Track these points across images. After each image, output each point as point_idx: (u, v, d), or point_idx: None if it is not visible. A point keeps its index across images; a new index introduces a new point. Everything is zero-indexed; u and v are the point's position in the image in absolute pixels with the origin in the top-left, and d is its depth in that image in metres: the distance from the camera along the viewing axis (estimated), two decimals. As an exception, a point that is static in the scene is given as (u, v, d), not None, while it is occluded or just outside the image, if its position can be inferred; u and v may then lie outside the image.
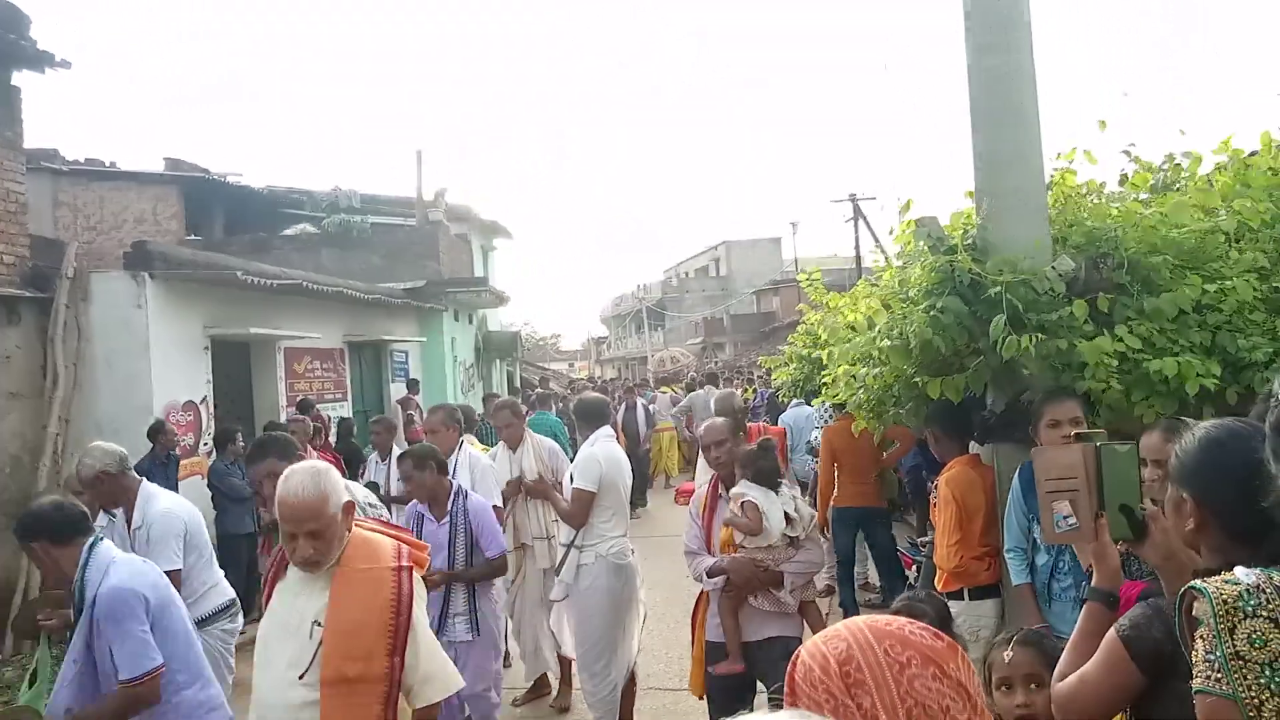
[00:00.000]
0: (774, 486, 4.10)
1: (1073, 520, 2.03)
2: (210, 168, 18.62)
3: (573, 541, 5.12)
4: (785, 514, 4.05)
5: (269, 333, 11.24)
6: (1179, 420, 2.98)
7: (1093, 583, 2.08)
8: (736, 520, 4.03)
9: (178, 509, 4.55)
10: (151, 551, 4.21)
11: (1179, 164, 4.83)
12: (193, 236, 16.90)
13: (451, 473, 5.12)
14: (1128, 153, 5.26)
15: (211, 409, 10.19)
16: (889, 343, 3.95)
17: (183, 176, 17.53)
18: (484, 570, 4.71)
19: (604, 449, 5.19)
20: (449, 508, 4.71)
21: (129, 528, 4.44)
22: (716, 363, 32.05)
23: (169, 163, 18.17)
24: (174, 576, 4.05)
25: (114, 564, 3.28)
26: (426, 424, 5.87)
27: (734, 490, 4.11)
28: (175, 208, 16.90)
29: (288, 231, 17.90)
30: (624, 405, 14.97)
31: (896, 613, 3.16)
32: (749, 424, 6.37)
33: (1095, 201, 4.43)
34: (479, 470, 5.55)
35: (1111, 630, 1.90)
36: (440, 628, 4.47)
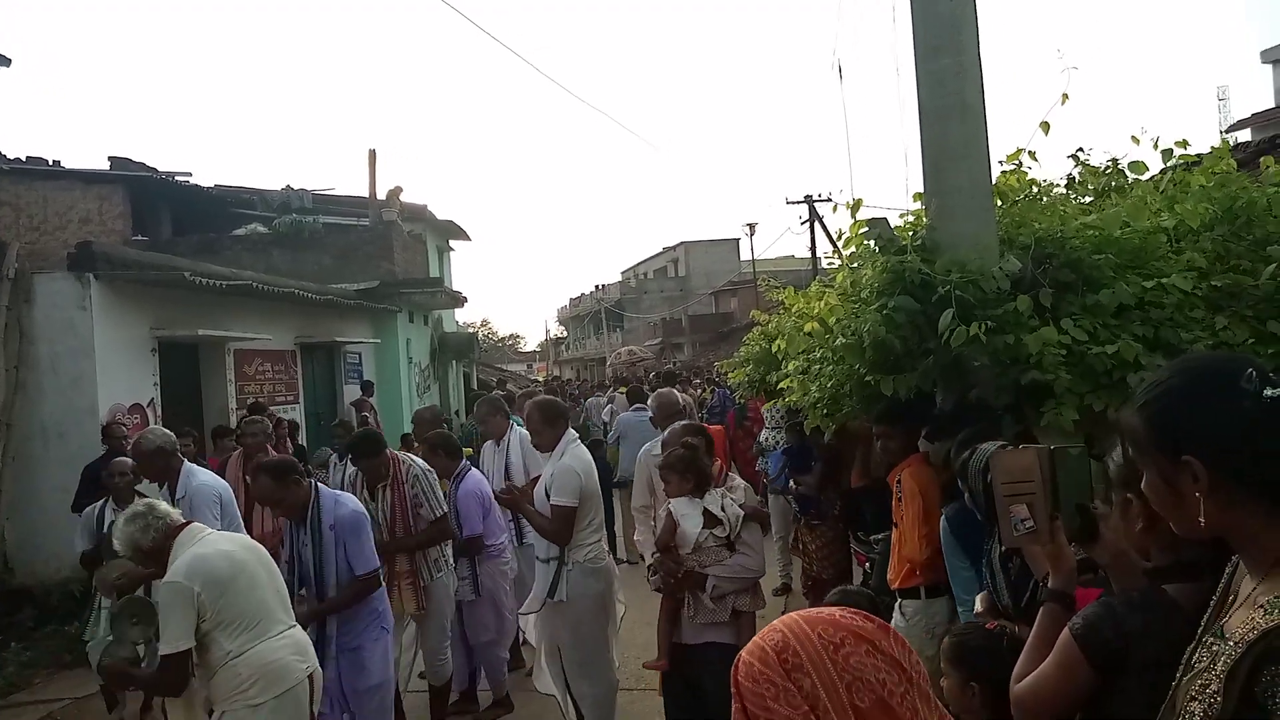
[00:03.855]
0: (700, 488, 4.32)
1: (1030, 523, 2.04)
2: (158, 167, 18.27)
3: (559, 556, 4.86)
4: (710, 513, 4.21)
5: (218, 334, 11.07)
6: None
7: (1049, 584, 2.10)
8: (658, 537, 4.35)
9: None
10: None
11: (1122, 170, 4.94)
12: (140, 237, 16.57)
13: (505, 452, 6.30)
14: (1075, 157, 5.37)
15: (159, 411, 10.01)
16: (843, 340, 3.99)
17: (129, 176, 17.19)
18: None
19: (576, 457, 4.97)
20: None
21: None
22: (675, 363, 32.14)
23: (114, 161, 17.80)
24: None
25: (339, 498, 4.58)
26: (477, 415, 6.11)
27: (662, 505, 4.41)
28: (121, 207, 16.58)
29: (238, 232, 17.62)
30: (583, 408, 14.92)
31: (832, 599, 3.26)
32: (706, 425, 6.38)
33: (1044, 201, 4.50)
34: (528, 448, 6.11)
35: (1065, 629, 1.92)
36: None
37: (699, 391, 17.52)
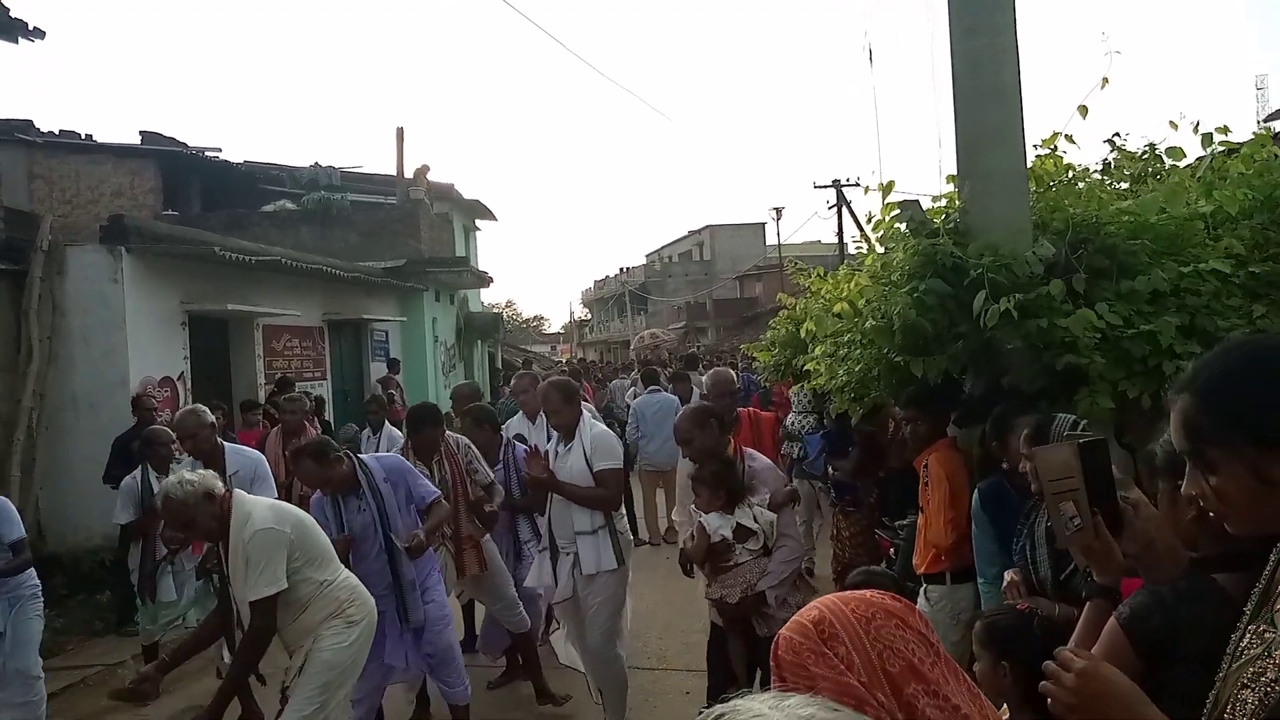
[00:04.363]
0: (732, 502, 4.27)
1: (1078, 521, 1.99)
2: (188, 142, 18.39)
3: (606, 525, 4.82)
4: (742, 526, 4.20)
5: (247, 309, 11.15)
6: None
7: (1095, 578, 2.07)
8: (687, 548, 4.39)
9: (258, 455, 5.83)
10: (254, 489, 5.12)
11: (1160, 155, 4.86)
12: (170, 211, 16.70)
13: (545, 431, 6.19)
14: (1111, 142, 5.29)
15: (189, 385, 10.11)
16: (873, 323, 3.96)
17: (160, 150, 17.32)
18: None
19: (603, 427, 5.21)
20: (500, 457, 5.91)
21: (224, 476, 5.02)
22: (698, 347, 32.09)
23: (146, 136, 17.93)
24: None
25: (375, 455, 5.04)
26: (544, 401, 5.46)
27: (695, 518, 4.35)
28: (152, 182, 16.73)
29: (267, 208, 17.74)
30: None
31: (856, 580, 3.27)
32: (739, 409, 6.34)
33: (1080, 187, 4.44)
34: (601, 443, 6.12)
35: (1111, 618, 1.89)
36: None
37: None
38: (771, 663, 1.33)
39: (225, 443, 5.85)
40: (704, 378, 7.17)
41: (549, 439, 5.80)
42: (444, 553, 5.46)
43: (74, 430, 8.92)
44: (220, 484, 3.82)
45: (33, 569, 5.08)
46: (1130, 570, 2.06)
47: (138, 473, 6.16)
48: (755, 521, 4.22)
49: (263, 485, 5.53)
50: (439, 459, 5.51)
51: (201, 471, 3.90)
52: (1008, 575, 3.18)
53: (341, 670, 3.89)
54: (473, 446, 5.70)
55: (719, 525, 4.23)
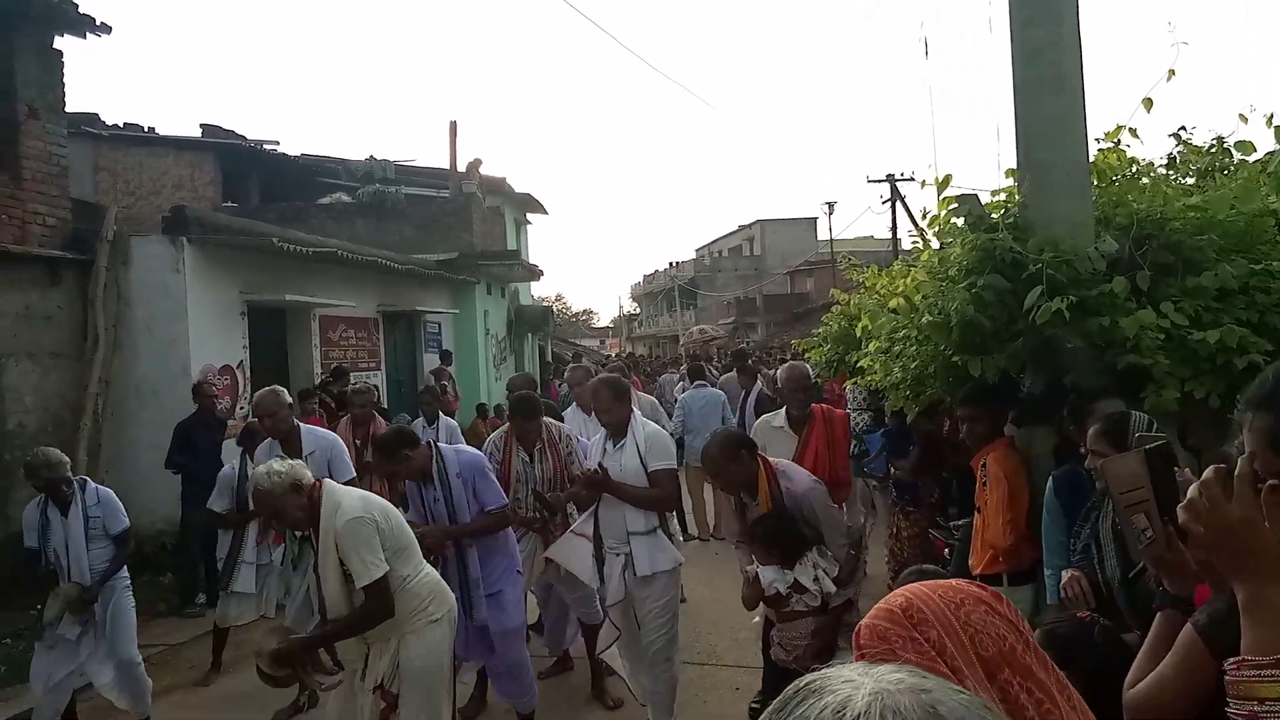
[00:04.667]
0: (790, 557, 4.00)
1: (1150, 533, 1.93)
2: (247, 135, 18.73)
3: (660, 525, 4.71)
4: (801, 584, 3.96)
5: (304, 300, 11.34)
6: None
7: (1167, 588, 2.01)
8: (742, 594, 4.15)
9: (334, 437, 5.98)
10: (332, 470, 5.44)
11: (1228, 148, 4.73)
12: (229, 203, 17.03)
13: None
14: (1177, 135, 5.16)
15: (248, 374, 10.31)
16: (929, 319, 3.90)
17: (220, 143, 17.66)
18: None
19: (655, 426, 5.05)
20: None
21: (301, 455, 5.38)
22: (748, 342, 31.94)
23: (206, 129, 18.31)
24: (352, 484, 5.10)
25: (457, 447, 5.03)
26: (595, 399, 5.18)
27: (749, 566, 4.15)
28: (212, 174, 17.07)
29: (323, 200, 17.99)
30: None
31: (909, 579, 3.20)
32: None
33: (1144, 182, 4.33)
34: (655, 442, 6.08)
35: (1187, 625, 1.82)
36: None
37: (771, 371, 17.39)
38: (855, 654, 1.28)
39: (303, 424, 5.94)
40: (778, 371, 7.07)
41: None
42: (531, 541, 5.44)
43: (137, 417, 9.15)
44: (309, 474, 3.81)
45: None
46: (1203, 579, 2.00)
47: (236, 462, 6.43)
48: (815, 584, 3.93)
49: (339, 466, 5.65)
50: (541, 448, 5.49)
51: (291, 463, 3.87)
52: (1066, 574, 3.11)
53: (439, 672, 3.90)
54: (575, 438, 5.68)
55: (774, 579, 4.00)
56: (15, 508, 7.99)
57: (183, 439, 8.09)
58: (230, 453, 8.59)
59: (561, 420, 6.25)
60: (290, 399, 5.93)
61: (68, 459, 5.17)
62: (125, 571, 5.28)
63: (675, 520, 4.98)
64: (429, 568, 4.05)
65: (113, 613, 5.10)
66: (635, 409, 5.01)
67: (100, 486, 5.29)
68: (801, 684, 0.80)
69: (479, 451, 5.15)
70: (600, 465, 4.70)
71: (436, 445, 4.89)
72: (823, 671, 0.82)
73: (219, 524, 6.36)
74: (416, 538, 4.02)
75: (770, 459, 4.41)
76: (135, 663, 5.17)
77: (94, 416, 8.64)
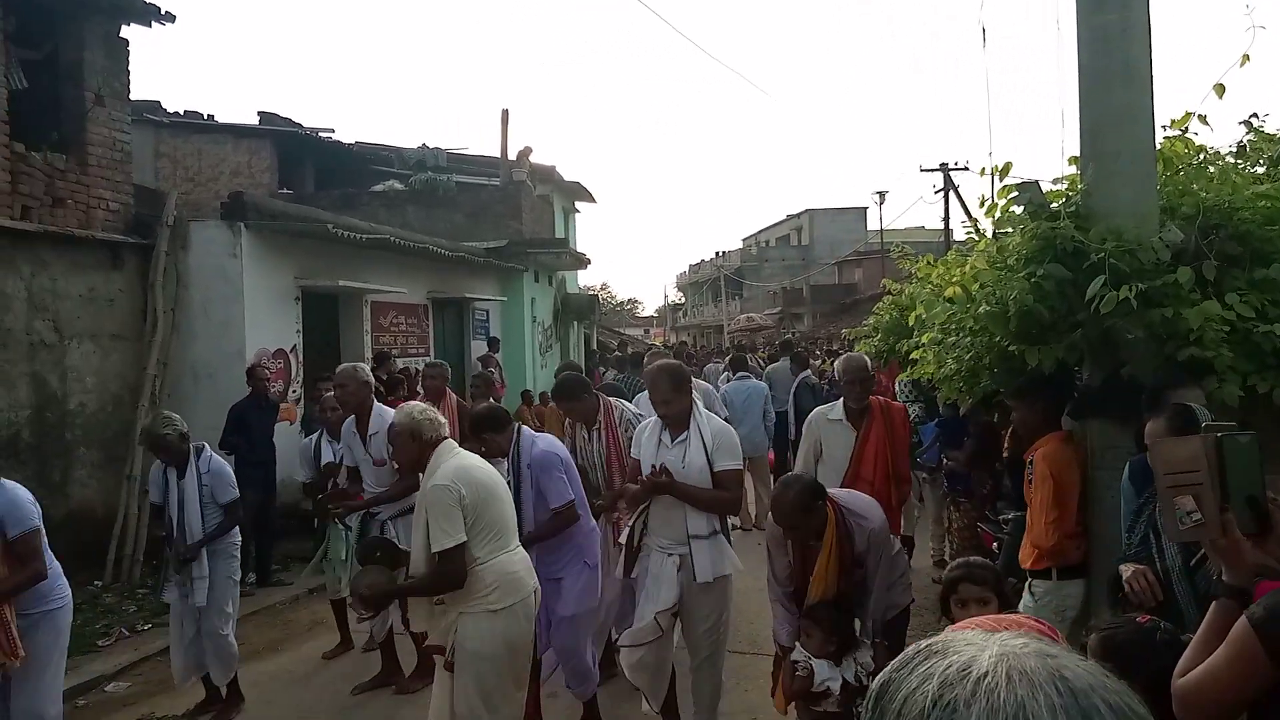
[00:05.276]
0: (843, 650, 3.81)
1: (1197, 515, 1.91)
2: (303, 123, 18.98)
3: (717, 530, 4.40)
4: (848, 681, 3.75)
5: (357, 285, 11.47)
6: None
7: (1224, 578, 1.97)
8: (784, 685, 3.89)
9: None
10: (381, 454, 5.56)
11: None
12: (285, 190, 17.28)
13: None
14: (1248, 123, 5.01)
15: (300, 357, 10.47)
16: (986, 308, 3.84)
17: (276, 131, 17.92)
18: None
19: (719, 420, 4.69)
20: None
21: (365, 433, 5.72)
22: (794, 333, 31.75)
23: (263, 116, 18.57)
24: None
25: (536, 439, 4.87)
26: (652, 389, 4.80)
27: (793, 655, 3.87)
28: (269, 161, 17.31)
29: (376, 188, 18.18)
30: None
31: (955, 573, 3.13)
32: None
33: (1212, 170, 4.22)
34: (722, 440, 5.94)
35: (1242, 617, 1.79)
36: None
37: (819, 363, 17.27)
38: None
39: (378, 405, 5.99)
40: (836, 362, 6.87)
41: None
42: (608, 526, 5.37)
43: (193, 398, 9.33)
44: (434, 433, 3.92)
45: (236, 529, 5.44)
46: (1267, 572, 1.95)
47: (316, 436, 6.79)
48: (857, 681, 3.72)
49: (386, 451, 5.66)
50: (598, 428, 5.39)
51: (431, 414, 3.98)
52: (1127, 569, 3.02)
53: (493, 661, 3.84)
54: (633, 422, 5.36)
55: (827, 677, 3.76)
56: (75, 486, 8.24)
57: (237, 420, 8.26)
58: (282, 435, 8.76)
59: (571, 396, 5.69)
60: (368, 377, 6.06)
61: (176, 419, 5.33)
62: (233, 541, 5.40)
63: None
64: (507, 557, 3.93)
65: (211, 580, 5.23)
66: (697, 399, 4.70)
67: (215, 455, 5.43)
68: (924, 644, 0.79)
69: (553, 449, 4.90)
70: (662, 464, 4.31)
71: (520, 430, 4.89)
72: (945, 634, 0.81)
73: (307, 493, 6.77)
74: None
75: (833, 494, 4.08)
76: (220, 632, 5.27)
77: (152, 397, 8.83)
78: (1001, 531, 6.45)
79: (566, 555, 4.76)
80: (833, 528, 3.83)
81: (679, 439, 4.36)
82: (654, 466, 4.33)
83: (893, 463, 5.11)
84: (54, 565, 4.18)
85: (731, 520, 9.65)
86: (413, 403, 4.19)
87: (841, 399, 5.40)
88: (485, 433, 4.72)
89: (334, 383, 6.05)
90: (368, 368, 6.31)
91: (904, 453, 5.29)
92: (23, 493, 4.07)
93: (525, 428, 5.03)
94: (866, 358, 6.06)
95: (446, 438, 3.98)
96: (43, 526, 4.10)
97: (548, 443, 4.94)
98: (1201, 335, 3.38)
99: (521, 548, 4.11)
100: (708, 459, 4.29)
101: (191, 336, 9.47)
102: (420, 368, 10.11)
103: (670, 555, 4.37)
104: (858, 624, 3.95)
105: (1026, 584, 4.11)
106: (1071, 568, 4.04)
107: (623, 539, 4.67)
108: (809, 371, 10.92)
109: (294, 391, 10.10)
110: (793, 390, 10.05)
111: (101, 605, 7.43)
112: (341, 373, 5.95)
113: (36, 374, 8.05)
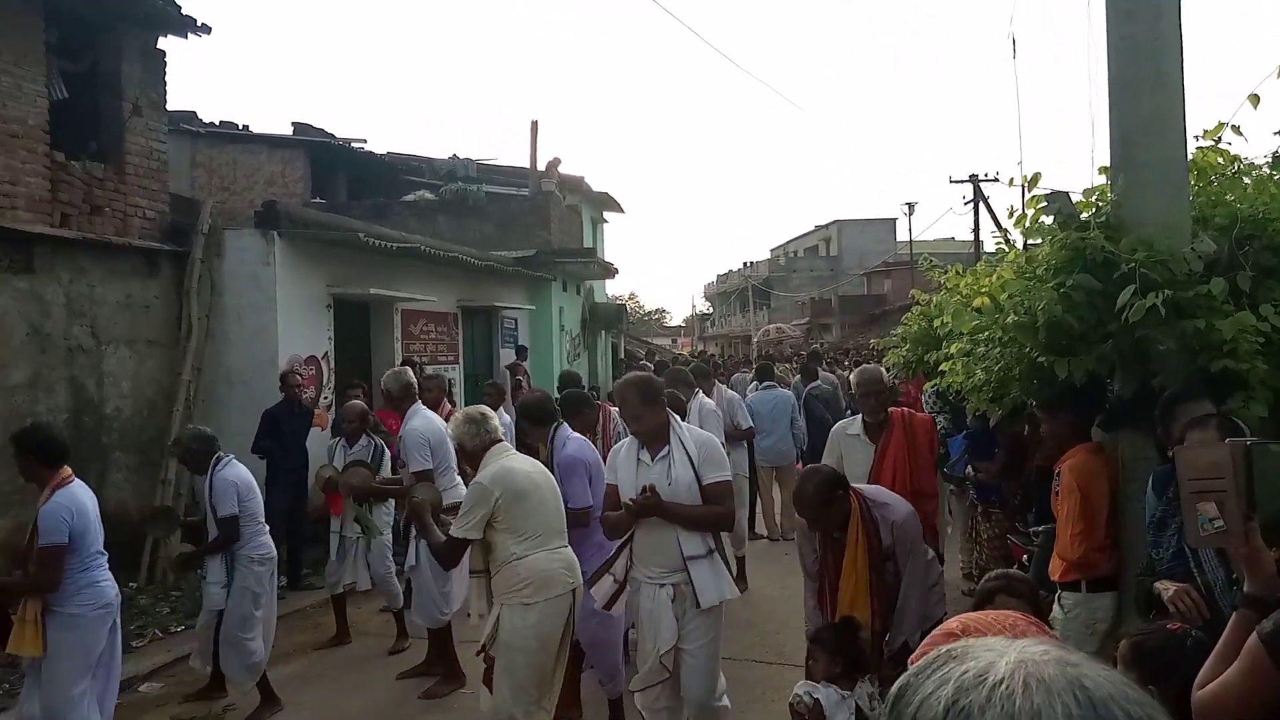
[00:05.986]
0: (851, 675, 3.68)
1: (1219, 522, 1.90)
2: (335, 133, 19.21)
3: (714, 548, 4.10)
4: (860, 709, 3.62)
5: (388, 294, 11.57)
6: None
7: (1245, 588, 1.96)
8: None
9: (424, 427, 5.96)
10: (408, 455, 5.85)
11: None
12: (318, 199, 17.49)
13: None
14: (1280, 133, 4.96)
15: (332, 364, 10.58)
16: (1015, 319, 3.83)
17: (310, 141, 18.14)
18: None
19: (703, 431, 4.53)
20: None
21: (397, 433, 5.98)
22: (822, 343, 31.62)
23: (296, 127, 18.81)
24: (424, 475, 5.64)
25: (569, 440, 5.05)
26: (621, 404, 4.60)
27: (797, 686, 3.71)
28: (302, 171, 17.52)
29: (407, 197, 18.36)
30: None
31: (992, 584, 3.11)
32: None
33: (1246, 181, 4.18)
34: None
35: (1254, 633, 1.80)
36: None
37: (846, 373, 17.20)
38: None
39: (418, 406, 6.26)
40: (851, 375, 6.84)
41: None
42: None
43: (226, 403, 9.45)
44: (478, 440, 4.22)
45: (265, 539, 5.52)
46: None
47: (335, 441, 7.04)
48: (870, 708, 3.56)
49: (414, 453, 5.83)
50: (599, 436, 5.60)
51: (472, 425, 4.25)
52: (1168, 588, 2.95)
53: (524, 653, 4.01)
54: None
55: (835, 710, 3.56)
56: (111, 489, 8.36)
57: (269, 425, 8.36)
58: (315, 441, 8.85)
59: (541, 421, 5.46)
60: (410, 379, 6.36)
61: (206, 434, 5.62)
62: (261, 549, 5.46)
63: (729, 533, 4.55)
64: (547, 555, 4.09)
65: (231, 587, 5.35)
66: (717, 410, 4.89)
67: (223, 472, 5.36)
68: (943, 650, 0.80)
69: (580, 454, 4.96)
70: (650, 486, 3.95)
71: (558, 430, 5.12)
72: (963, 641, 0.82)
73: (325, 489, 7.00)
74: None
75: (857, 486, 4.07)
76: (237, 637, 5.34)
77: (186, 403, 8.96)
78: (1031, 544, 6.40)
79: (589, 551, 4.79)
80: (857, 518, 3.84)
81: (660, 455, 4.05)
82: (643, 489, 3.95)
83: (913, 477, 4.87)
84: (91, 574, 4.27)
85: (759, 530, 9.74)
86: (460, 412, 4.48)
87: (859, 414, 5.25)
88: (521, 420, 4.93)
89: (392, 392, 6.34)
90: (407, 370, 6.66)
91: (927, 467, 5.02)
92: (59, 506, 4.20)
93: (565, 427, 5.15)
94: (882, 370, 5.88)
95: (498, 440, 4.27)
96: (81, 539, 4.22)
97: (577, 446, 5.07)
98: (1235, 347, 3.35)
99: (567, 548, 4.27)
100: (695, 473, 4.00)
101: (225, 343, 9.59)
102: (452, 377, 10.20)
103: (662, 586, 4.03)
104: (868, 645, 3.84)
105: (1057, 596, 4.08)
106: (1101, 580, 4.00)
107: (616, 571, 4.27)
108: (819, 381, 10.99)
109: (325, 398, 10.20)
110: (801, 401, 10.20)
111: (135, 607, 7.53)
112: (386, 375, 6.47)
113: (74, 379, 8.19)
